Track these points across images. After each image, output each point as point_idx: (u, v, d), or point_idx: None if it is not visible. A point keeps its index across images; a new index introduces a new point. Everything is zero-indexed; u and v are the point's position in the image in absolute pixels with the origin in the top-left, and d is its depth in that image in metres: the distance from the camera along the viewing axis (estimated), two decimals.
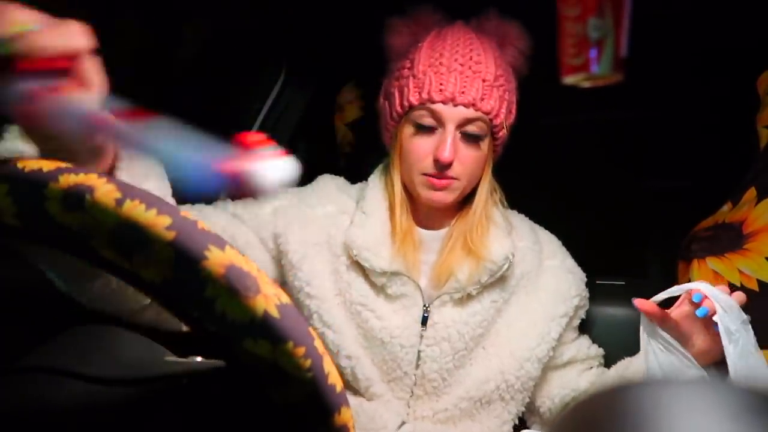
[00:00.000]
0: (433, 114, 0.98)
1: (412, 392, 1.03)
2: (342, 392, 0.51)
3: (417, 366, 1.02)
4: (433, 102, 0.97)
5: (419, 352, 1.02)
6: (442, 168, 0.98)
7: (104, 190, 0.47)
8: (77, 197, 0.46)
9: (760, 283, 1.13)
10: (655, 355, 0.88)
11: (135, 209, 0.46)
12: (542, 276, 1.10)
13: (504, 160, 1.10)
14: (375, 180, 1.09)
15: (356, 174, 1.17)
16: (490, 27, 1.05)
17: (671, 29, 1.33)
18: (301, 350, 0.47)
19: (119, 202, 0.46)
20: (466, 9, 1.07)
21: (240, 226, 1.04)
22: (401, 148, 1.02)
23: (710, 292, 0.82)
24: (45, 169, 0.48)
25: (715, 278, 1.17)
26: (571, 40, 0.60)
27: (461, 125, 0.98)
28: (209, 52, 1.29)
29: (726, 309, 0.79)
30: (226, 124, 1.44)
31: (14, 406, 0.56)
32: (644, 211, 1.61)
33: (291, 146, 1.56)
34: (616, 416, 0.29)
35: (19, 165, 0.49)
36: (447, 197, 1.02)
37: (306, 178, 1.61)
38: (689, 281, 1.21)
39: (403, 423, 1.03)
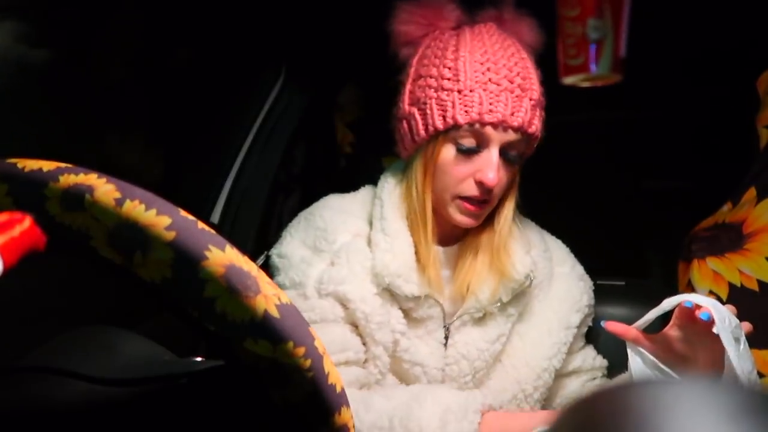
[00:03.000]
0: (479, 136, 0.91)
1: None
2: (342, 392, 0.51)
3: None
4: (483, 124, 0.90)
5: (443, 374, 1.01)
6: (485, 192, 0.93)
7: (104, 190, 0.47)
8: (77, 197, 0.46)
9: (760, 283, 1.13)
10: (639, 371, 0.87)
11: (135, 209, 0.46)
12: (554, 284, 1.08)
13: None
14: (387, 195, 1.00)
15: (356, 174, 1.16)
16: (510, 25, 0.98)
17: (671, 29, 1.33)
18: (301, 350, 0.47)
19: (119, 202, 0.46)
20: (466, 6, 1.05)
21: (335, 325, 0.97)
22: (435, 167, 0.94)
23: (701, 301, 0.81)
24: (45, 169, 0.48)
25: (715, 278, 1.17)
26: (571, 40, 0.60)
27: (504, 147, 0.92)
28: (209, 52, 1.29)
29: (722, 313, 0.79)
30: (226, 124, 1.44)
31: (14, 406, 0.56)
32: (644, 211, 1.61)
33: (291, 146, 1.56)
34: (617, 416, 0.29)
35: (19, 165, 0.49)
36: (478, 221, 0.98)
37: (306, 178, 1.62)
38: (689, 281, 1.21)
39: None
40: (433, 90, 0.93)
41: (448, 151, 0.93)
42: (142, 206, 0.46)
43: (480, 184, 0.93)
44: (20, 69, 0.90)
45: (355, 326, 0.97)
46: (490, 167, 0.91)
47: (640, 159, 1.64)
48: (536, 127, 0.94)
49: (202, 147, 1.39)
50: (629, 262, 1.57)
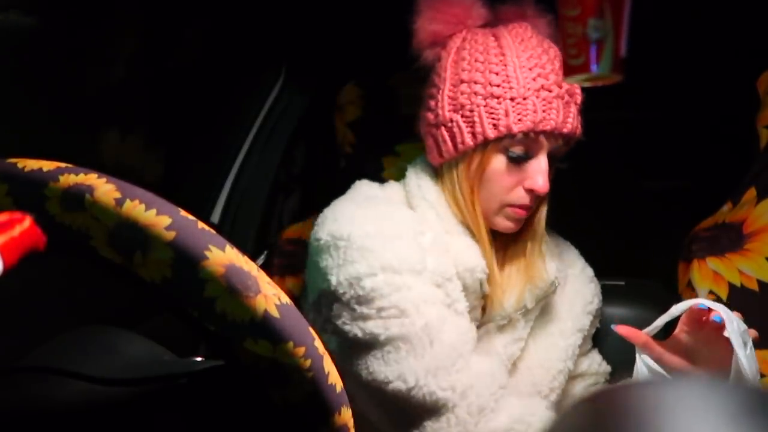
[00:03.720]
0: (531, 143, 0.89)
1: None
2: (342, 392, 0.51)
3: None
4: (537, 132, 0.88)
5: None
6: (534, 199, 0.92)
7: (104, 190, 0.47)
8: (77, 197, 0.47)
9: (760, 283, 1.13)
10: (644, 377, 0.86)
11: (135, 209, 0.46)
12: (567, 286, 1.07)
13: None
14: (435, 197, 0.95)
15: (356, 174, 1.16)
16: (532, 22, 0.96)
17: (671, 29, 1.33)
18: (301, 350, 0.47)
19: (119, 202, 0.46)
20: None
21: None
22: (483, 175, 0.91)
23: (710, 305, 0.80)
24: (45, 169, 0.48)
25: (715, 278, 1.17)
26: (571, 40, 0.60)
27: (551, 152, 0.91)
28: (209, 52, 1.29)
29: (731, 317, 0.79)
30: (226, 125, 1.44)
31: (14, 406, 0.56)
32: (644, 211, 1.61)
33: (291, 146, 1.56)
34: (617, 416, 0.29)
35: (19, 165, 0.49)
36: (519, 225, 0.96)
37: (306, 178, 1.62)
38: (689, 281, 1.21)
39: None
40: (481, 97, 0.89)
41: (498, 160, 0.90)
42: (142, 206, 0.46)
43: (530, 191, 0.91)
44: (20, 69, 0.90)
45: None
46: (541, 174, 0.89)
47: (640, 159, 1.64)
48: (580, 131, 0.93)
49: (202, 147, 1.39)
50: (629, 262, 1.56)
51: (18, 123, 0.91)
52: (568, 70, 0.62)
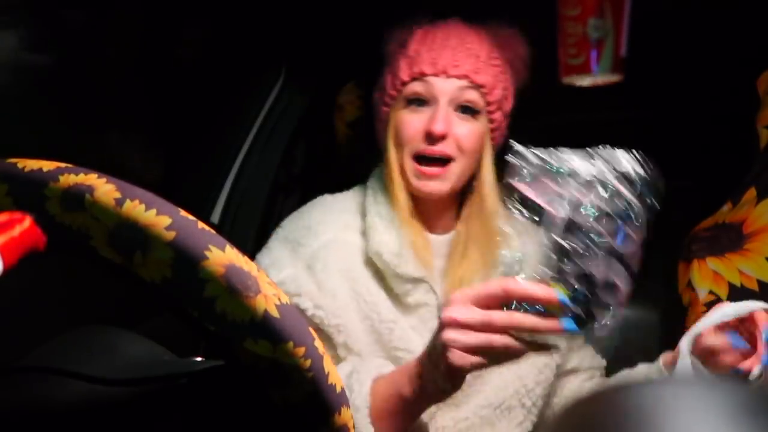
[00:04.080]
0: (426, 87, 0.97)
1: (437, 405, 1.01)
2: (342, 392, 0.51)
3: None
4: (425, 75, 0.96)
5: None
6: (433, 141, 0.96)
7: (104, 190, 0.47)
8: (77, 197, 0.47)
9: (760, 283, 1.13)
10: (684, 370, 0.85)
11: (135, 209, 0.46)
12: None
13: (503, 159, 1.09)
14: (377, 182, 1.04)
15: (356, 174, 1.16)
16: (489, 30, 1.04)
17: (671, 29, 1.33)
18: (301, 350, 0.47)
19: (119, 202, 0.46)
20: (464, 14, 1.06)
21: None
22: (395, 130, 1.00)
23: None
24: (45, 169, 0.48)
25: (715, 278, 1.17)
26: (571, 40, 0.60)
27: (455, 99, 0.97)
28: (209, 52, 1.29)
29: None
30: (226, 125, 1.44)
31: (14, 406, 0.56)
32: None
33: (291, 146, 1.56)
34: (617, 416, 0.29)
35: (19, 165, 0.49)
36: (442, 187, 0.98)
37: (306, 178, 1.62)
38: (689, 281, 1.21)
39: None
40: (388, 67, 1.02)
41: (401, 109, 0.99)
42: (142, 206, 0.46)
43: (428, 134, 0.96)
44: (20, 69, 0.90)
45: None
46: (436, 115, 0.95)
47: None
48: (486, 80, 0.98)
49: (202, 147, 1.39)
50: None
51: (18, 123, 0.91)
52: (568, 70, 0.62)
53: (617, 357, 1.11)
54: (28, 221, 0.42)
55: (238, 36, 1.35)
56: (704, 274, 1.18)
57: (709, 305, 1.16)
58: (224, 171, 1.42)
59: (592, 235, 0.63)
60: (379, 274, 0.98)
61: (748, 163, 1.24)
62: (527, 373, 1.01)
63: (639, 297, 1.08)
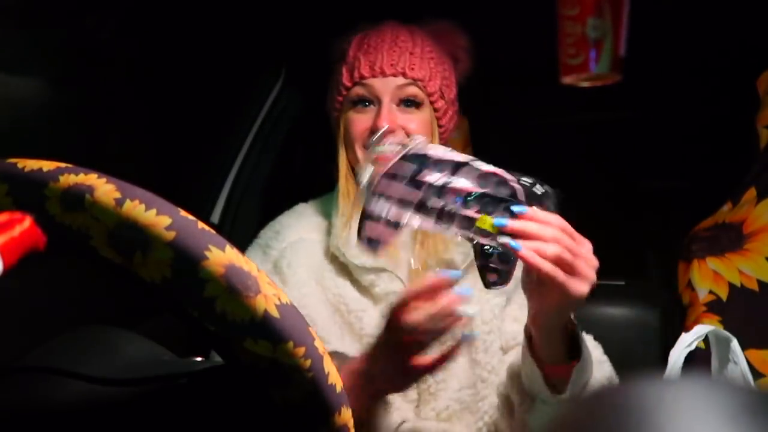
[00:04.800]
0: (367, 89, 1.03)
1: (418, 395, 1.02)
2: (342, 392, 0.51)
3: None
4: (365, 78, 1.02)
5: None
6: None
7: (104, 190, 0.47)
8: (77, 197, 0.46)
9: (760, 283, 1.13)
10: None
11: (135, 209, 0.46)
12: None
13: (504, 159, 1.10)
14: (341, 184, 1.09)
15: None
16: (424, 26, 1.09)
17: (671, 29, 1.33)
18: (301, 350, 0.47)
19: (119, 202, 0.46)
20: (464, 14, 1.07)
21: None
22: (344, 131, 1.05)
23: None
24: (45, 169, 0.48)
25: (715, 278, 1.17)
26: (570, 39, 0.60)
27: (395, 95, 1.02)
28: (209, 53, 1.29)
29: None
30: (225, 125, 1.44)
31: (14, 406, 0.56)
32: (644, 211, 1.61)
33: (289, 147, 1.56)
34: (618, 415, 0.29)
35: (19, 165, 0.49)
36: None
37: (306, 178, 1.62)
38: (689, 281, 1.21)
39: (403, 422, 1.02)
40: (332, 78, 1.09)
41: (348, 112, 1.05)
42: (142, 206, 0.46)
43: (373, 130, 1.01)
44: (20, 69, 0.90)
45: None
46: (379, 113, 1.01)
47: (640, 159, 1.64)
48: (423, 74, 1.03)
49: (203, 147, 1.39)
50: (629, 262, 1.56)
51: (18, 123, 0.91)
52: (567, 70, 0.62)
53: (618, 357, 1.11)
54: (28, 221, 0.42)
55: (239, 36, 1.35)
56: (704, 274, 1.18)
57: (709, 305, 1.16)
58: (224, 171, 1.42)
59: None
60: (345, 268, 1.03)
61: (748, 163, 1.24)
62: (482, 343, 1.01)
63: (639, 297, 1.09)
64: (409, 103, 1.04)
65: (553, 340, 0.81)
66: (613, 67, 0.59)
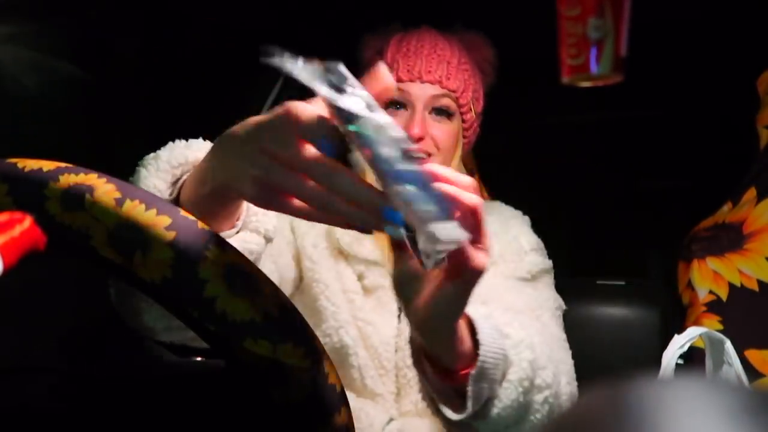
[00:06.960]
0: (402, 93, 1.03)
1: (397, 389, 1.03)
2: (342, 392, 0.51)
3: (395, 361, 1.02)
4: (402, 81, 1.03)
5: (396, 345, 1.02)
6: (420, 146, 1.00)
7: (104, 190, 0.47)
8: (77, 197, 0.47)
9: (760, 283, 1.13)
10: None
11: (135, 209, 0.46)
12: (494, 247, 1.08)
13: (504, 159, 1.10)
14: None
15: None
16: (457, 35, 1.10)
17: (671, 29, 1.33)
18: (301, 350, 0.47)
19: (119, 202, 0.46)
20: (464, 14, 1.07)
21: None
22: None
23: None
24: (45, 169, 0.48)
25: (715, 278, 1.17)
26: (571, 40, 0.60)
27: (429, 103, 1.03)
28: (209, 52, 1.29)
29: None
30: (225, 125, 1.44)
31: (14, 406, 0.56)
32: (644, 211, 1.61)
33: None
34: (617, 415, 0.29)
35: (19, 165, 0.49)
36: None
37: None
38: (689, 281, 1.21)
39: (391, 420, 1.02)
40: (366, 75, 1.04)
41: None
42: (142, 206, 0.46)
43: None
44: (20, 69, 0.90)
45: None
46: (413, 120, 1.01)
47: (640, 159, 1.64)
48: (458, 85, 1.04)
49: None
50: (629, 262, 1.57)
51: (18, 124, 0.91)
52: (568, 70, 0.62)
53: (618, 357, 1.11)
54: (28, 221, 0.42)
55: (239, 36, 1.35)
56: (704, 274, 1.18)
57: (709, 305, 1.17)
58: None
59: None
60: (342, 253, 1.05)
61: (748, 163, 1.24)
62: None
63: (639, 297, 1.09)
64: (441, 112, 1.05)
65: (449, 341, 0.62)
66: (615, 67, 0.59)
